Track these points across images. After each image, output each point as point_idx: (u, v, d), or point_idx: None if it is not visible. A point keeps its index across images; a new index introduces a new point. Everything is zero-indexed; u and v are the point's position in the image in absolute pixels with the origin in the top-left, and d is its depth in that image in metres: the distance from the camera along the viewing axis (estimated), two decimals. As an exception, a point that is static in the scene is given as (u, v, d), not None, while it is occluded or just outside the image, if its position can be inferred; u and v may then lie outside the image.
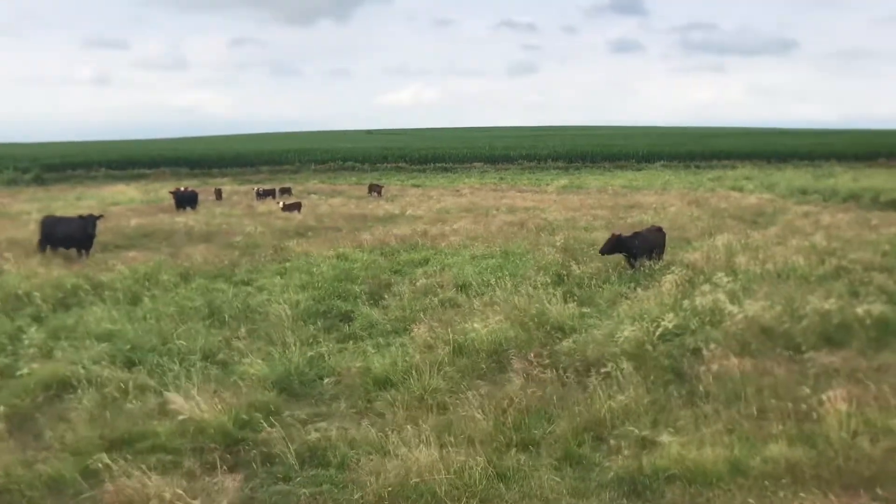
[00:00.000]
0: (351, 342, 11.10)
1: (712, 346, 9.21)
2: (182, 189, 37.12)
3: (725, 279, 13.24)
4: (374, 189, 43.68)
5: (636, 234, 16.64)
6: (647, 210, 30.68)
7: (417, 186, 53.08)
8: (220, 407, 7.88)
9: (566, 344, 9.87)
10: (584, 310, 12.24)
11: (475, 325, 10.30)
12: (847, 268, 14.74)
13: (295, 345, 10.25)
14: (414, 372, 8.90)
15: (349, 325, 12.06)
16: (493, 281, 14.46)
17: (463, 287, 14.34)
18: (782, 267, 15.05)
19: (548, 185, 51.71)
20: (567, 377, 8.75)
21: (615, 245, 15.93)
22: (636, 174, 59.58)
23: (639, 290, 13.00)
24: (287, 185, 45.60)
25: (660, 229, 17.06)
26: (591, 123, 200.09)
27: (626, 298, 12.40)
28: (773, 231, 21.08)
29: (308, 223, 26.97)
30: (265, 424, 7.69)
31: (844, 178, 49.23)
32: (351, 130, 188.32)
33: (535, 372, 8.63)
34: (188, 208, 34.06)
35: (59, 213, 23.17)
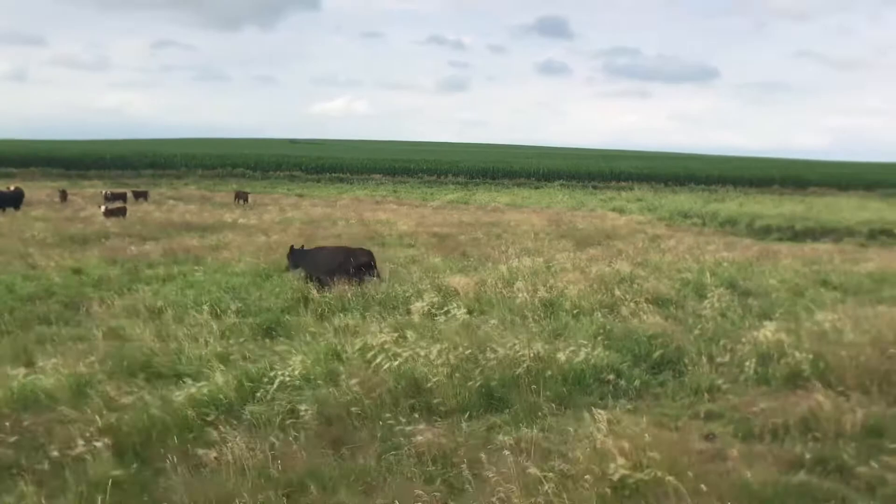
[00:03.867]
0: None
1: (303, 408, 6.77)
2: (8, 189, 34.01)
3: (460, 310, 11.16)
4: (241, 196, 41.30)
5: (318, 249, 15.54)
6: (499, 227, 28.84)
7: (301, 196, 50.39)
8: None
9: (124, 402, 7.18)
10: (269, 348, 9.76)
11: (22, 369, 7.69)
12: (623, 299, 12.80)
13: None
14: None
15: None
16: (193, 305, 12.02)
17: (157, 312, 11.84)
18: (556, 295, 13.09)
19: (435, 199, 49.82)
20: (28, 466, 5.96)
21: (289, 258, 15.04)
22: (531, 192, 58.07)
23: (349, 322, 10.58)
24: (143, 189, 42.23)
25: (366, 252, 15.15)
26: (522, 143, 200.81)
27: (317, 334, 9.96)
28: (589, 254, 19.18)
29: (111, 230, 24.09)
30: None
31: (732, 204, 48.73)
32: (277, 139, 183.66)
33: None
34: (9, 209, 31.03)
35: None
